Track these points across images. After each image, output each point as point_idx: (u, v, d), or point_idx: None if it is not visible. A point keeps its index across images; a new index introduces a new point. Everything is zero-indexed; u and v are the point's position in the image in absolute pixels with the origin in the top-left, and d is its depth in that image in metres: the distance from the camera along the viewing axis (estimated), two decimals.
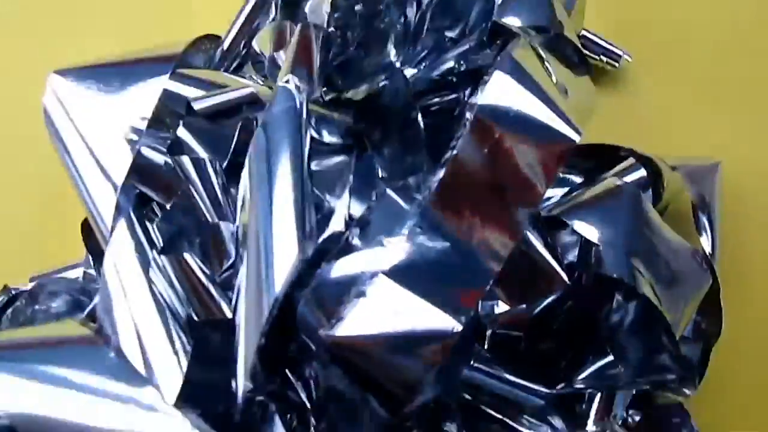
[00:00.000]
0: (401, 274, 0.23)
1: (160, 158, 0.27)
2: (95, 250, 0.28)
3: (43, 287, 0.28)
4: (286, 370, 0.27)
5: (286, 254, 0.22)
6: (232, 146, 0.27)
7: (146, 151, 0.28)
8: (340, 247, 0.26)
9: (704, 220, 0.33)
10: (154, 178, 0.27)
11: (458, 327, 0.23)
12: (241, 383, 0.23)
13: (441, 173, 0.24)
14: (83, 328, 0.24)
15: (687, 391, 0.33)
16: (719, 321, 0.32)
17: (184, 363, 0.22)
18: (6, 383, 0.22)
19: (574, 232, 0.28)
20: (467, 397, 0.28)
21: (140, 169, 0.27)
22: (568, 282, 0.29)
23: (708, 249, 0.33)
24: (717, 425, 0.36)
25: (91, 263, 0.29)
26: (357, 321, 0.24)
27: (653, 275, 0.28)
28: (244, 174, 0.25)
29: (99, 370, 0.22)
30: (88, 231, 0.29)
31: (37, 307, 0.27)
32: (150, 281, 0.23)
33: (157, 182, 0.27)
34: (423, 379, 0.23)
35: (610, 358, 0.29)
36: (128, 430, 0.21)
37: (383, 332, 0.23)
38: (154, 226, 0.25)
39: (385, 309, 0.23)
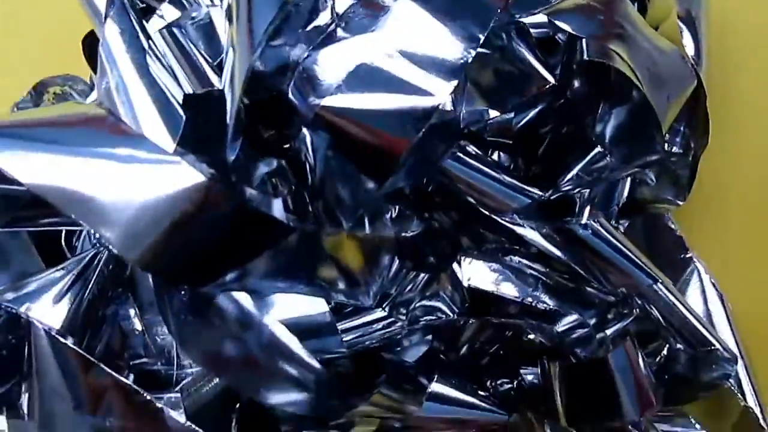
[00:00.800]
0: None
1: None
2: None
3: (45, 85, 0.29)
4: (283, 161, 0.28)
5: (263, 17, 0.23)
6: None
7: None
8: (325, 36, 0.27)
9: (689, 32, 0.34)
10: None
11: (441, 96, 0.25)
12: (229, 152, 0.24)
13: None
14: (88, 106, 0.25)
15: (677, 201, 0.34)
16: (707, 130, 0.33)
17: (180, 122, 0.24)
18: (25, 157, 0.24)
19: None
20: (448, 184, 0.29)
21: None
22: (553, 82, 0.30)
23: (692, 55, 0.33)
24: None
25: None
26: (343, 92, 0.25)
27: (636, 65, 0.28)
28: None
29: (104, 140, 0.24)
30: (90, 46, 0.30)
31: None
32: (145, 57, 0.25)
33: None
34: (409, 137, 0.24)
35: (597, 149, 0.29)
36: (135, 184, 0.23)
37: (371, 101, 0.25)
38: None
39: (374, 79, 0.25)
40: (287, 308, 0.27)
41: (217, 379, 0.29)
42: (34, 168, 0.24)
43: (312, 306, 0.27)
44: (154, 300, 0.31)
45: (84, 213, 0.23)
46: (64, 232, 0.33)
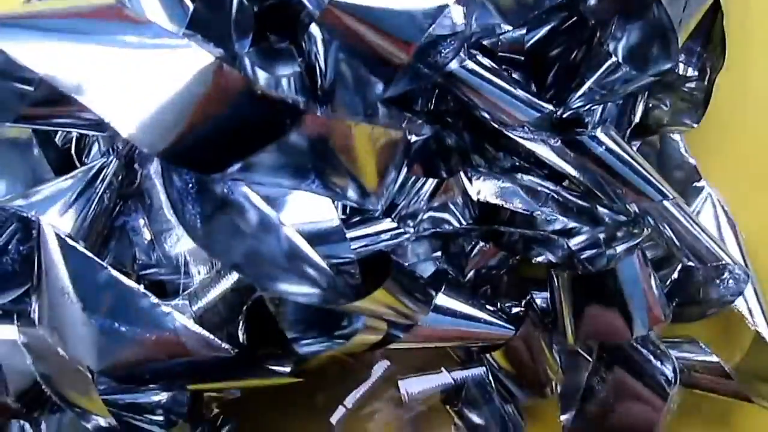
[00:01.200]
0: None
1: None
2: None
3: None
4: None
5: None
6: None
7: None
8: None
9: None
10: None
11: None
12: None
13: None
14: None
15: (692, 123, 0.33)
16: (723, 51, 0.32)
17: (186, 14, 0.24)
18: (39, 47, 0.24)
19: None
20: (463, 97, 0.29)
21: None
22: None
23: None
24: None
25: None
26: None
27: None
28: None
29: (116, 28, 0.24)
30: None
31: None
32: None
33: None
34: (415, 40, 0.24)
35: (611, 61, 0.29)
36: (146, 69, 0.22)
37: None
38: None
39: None
40: (298, 214, 0.27)
41: (224, 284, 0.29)
42: (49, 58, 0.24)
43: (322, 213, 0.27)
44: (163, 210, 0.31)
45: (97, 101, 0.23)
46: (74, 144, 0.33)
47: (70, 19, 0.25)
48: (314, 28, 0.25)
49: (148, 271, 0.32)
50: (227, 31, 0.25)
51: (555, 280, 0.30)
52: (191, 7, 0.24)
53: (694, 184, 0.35)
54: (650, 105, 0.34)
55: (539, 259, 0.32)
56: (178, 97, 0.21)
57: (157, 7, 0.25)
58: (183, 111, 0.21)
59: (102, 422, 0.31)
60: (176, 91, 0.21)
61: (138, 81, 0.22)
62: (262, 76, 0.25)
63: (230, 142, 0.23)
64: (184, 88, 0.21)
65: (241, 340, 0.30)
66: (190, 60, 0.22)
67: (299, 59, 0.28)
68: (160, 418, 0.31)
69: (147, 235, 0.31)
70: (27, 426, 0.34)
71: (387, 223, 0.30)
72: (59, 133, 0.33)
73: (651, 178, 0.30)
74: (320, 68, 0.26)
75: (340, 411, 0.36)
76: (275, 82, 0.26)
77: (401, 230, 0.30)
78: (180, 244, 0.31)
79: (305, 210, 0.28)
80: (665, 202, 0.29)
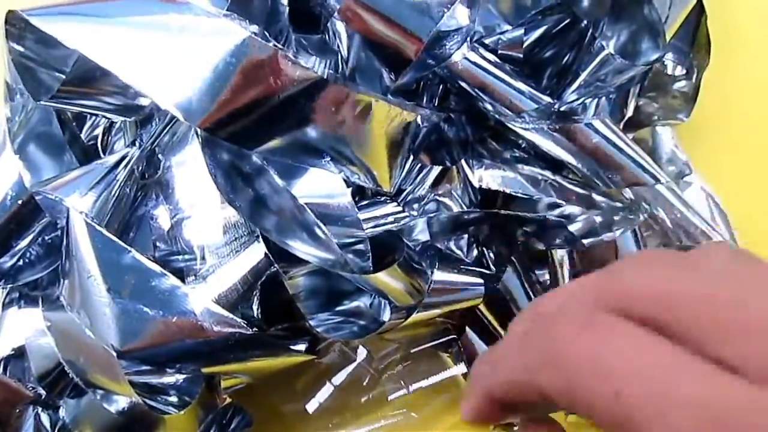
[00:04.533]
0: None
1: None
2: None
3: None
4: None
5: None
6: None
7: None
8: None
9: None
10: None
11: None
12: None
13: None
14: None
15: (682, 118, 0.35)
16: (708, 50, 0.34)
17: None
18: (79, 28, 0.26)
19: None
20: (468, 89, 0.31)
21: None
22: None
23: None
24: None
25: None
26: None
27: None
28: None
29: (153, 6, 0.26)
30: None
31: None
32: None
33: None
34: (424, 36, 0.26)
35: (603, 54, 0.31)
36: (185, 47, 0.24)
37: None
38: None
39: None
40: (311, 190, 0.29)
41: (242, 266, 0.31)
42: (92, 38, 0.25)
43: (334, 191, 0.29)
44: (182, 199, 0.32)
45: (138, 76, 0.24)
46: (100, 140, 0.35)
47: (111, 1, 0.27)
48: (338, 21, 0.28)
49: (168, 258, 0.33)
50: (264, 18, 0.27)
51: (553, 256, 0.32)
52: None
53: (685, 178, 0.37)
54: (641, 103, 0.36)
55: (539, 246, 0.34)
56: (214, 71, 0.23)
57: None
58: (220, 84, 0.23)
59: (122, 404, 0.32)
60: (213, 65, 0.23)
61: (177, 56, 0.23)
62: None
63: (265, 117, 0.25)
64: (220, 62, 0.23)
65: (256, 315, 0.31)
66: (226, 35, 0.24)
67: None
68: (174, 399, 0.32)
69: (167, 222, 0.33)
70: (42, 414, 0.35)
71: (392, 207, 0.31)
72: (85, 128, 0.35)
73: (645, 164, 0.31)
74: (342, 58, 0.28)
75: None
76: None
77: (406, 214, 0.31)
78: (198, 231, 0.33)
79: (318, 187, 0.29)
80: (659, 187, 0.31)
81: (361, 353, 0.34)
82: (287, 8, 0.28)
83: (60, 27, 0.25)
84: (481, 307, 0.33)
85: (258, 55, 0.23)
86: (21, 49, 0.27)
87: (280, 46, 0.27)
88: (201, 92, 0.23)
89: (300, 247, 0.27)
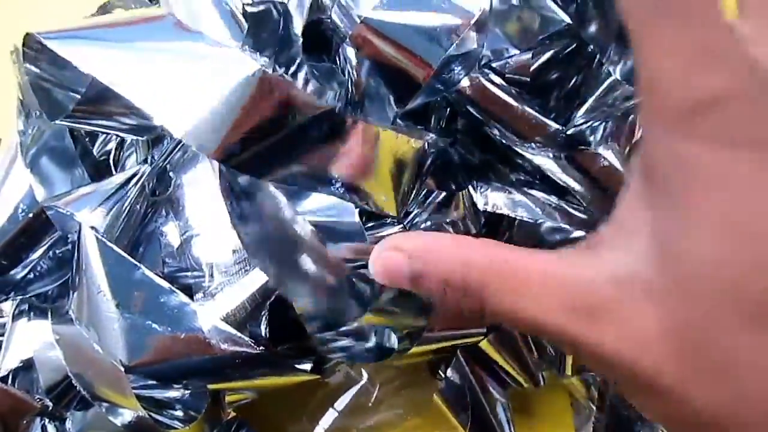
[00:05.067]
0: None
1: None
2: None
3: (109, 6, 0.32)
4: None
5: None
6: None
7: None
8: None
9: None
10: None
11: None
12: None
13: None
14: (149, 10, 0.28)
15: None
16: None
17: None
18: (92, 52, 0.26)
19: None
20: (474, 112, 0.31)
21: None
22: (569, 21, 0.32)
23: None
24: None
25: None
26: (383, 9, 0.27)
27: None
28: None
29: (167, 34, 0.26)
30: None
31: None
32: None
33: None
34: (434, 61, 0.27)
35: (611, 80, 0.31)
36: (197, 75, 0.25)
37: (406, 17, 0.27)
38: None
39: None
40: (319, 209, 0.29)
41: (250, 285, 0.31)
42: (105, 64, 0.26)
43: (342, 210, 0.29)
44: (191, 216, 0.33)
45: (151, 103, 0.25)
46: (112, 156, 0.35)
47: (125, 27, 0.27)
48: (348, 47, 0.28)
49: (176, 275, 0.33)
50: (276, 48, 0.27)
51: None
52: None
53: None
54: None
55: None
56: (225, 102, 0.24)
57: (220, 25, 0.28)
58: (230, 115, 0.24)
59: (128, 417, 0.32)
60: (224, 96, 0.23)
61: (189, 85, 0.24)
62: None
63: (276, 146, 0.25)
64: (231, 93, 0.23)
65: (263, 334, 0.31)
66: (237, 67, 0.24)
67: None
68: (180, 413, 0.33)
69: (176, 239, 0.33)
70: (49, 426, 0.36)
71: (398, 229, 0.32)
72: (97, 143, 0.35)
73: None
74: (353, 83, 0.29)
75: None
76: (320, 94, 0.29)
77: None
78: (207, 249, 0.33)
79: (325, 206, 0.29)
80: None
81: (365, 375, 0.35)
82: (300, 38, 0.28)
83: (75, 51, 0.26)
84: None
85: (269, 87, 0.24)
86: (37, 70, 0.28)
87: (289, 77, 0.27)
88: (212, 122, 0.23)
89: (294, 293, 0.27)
